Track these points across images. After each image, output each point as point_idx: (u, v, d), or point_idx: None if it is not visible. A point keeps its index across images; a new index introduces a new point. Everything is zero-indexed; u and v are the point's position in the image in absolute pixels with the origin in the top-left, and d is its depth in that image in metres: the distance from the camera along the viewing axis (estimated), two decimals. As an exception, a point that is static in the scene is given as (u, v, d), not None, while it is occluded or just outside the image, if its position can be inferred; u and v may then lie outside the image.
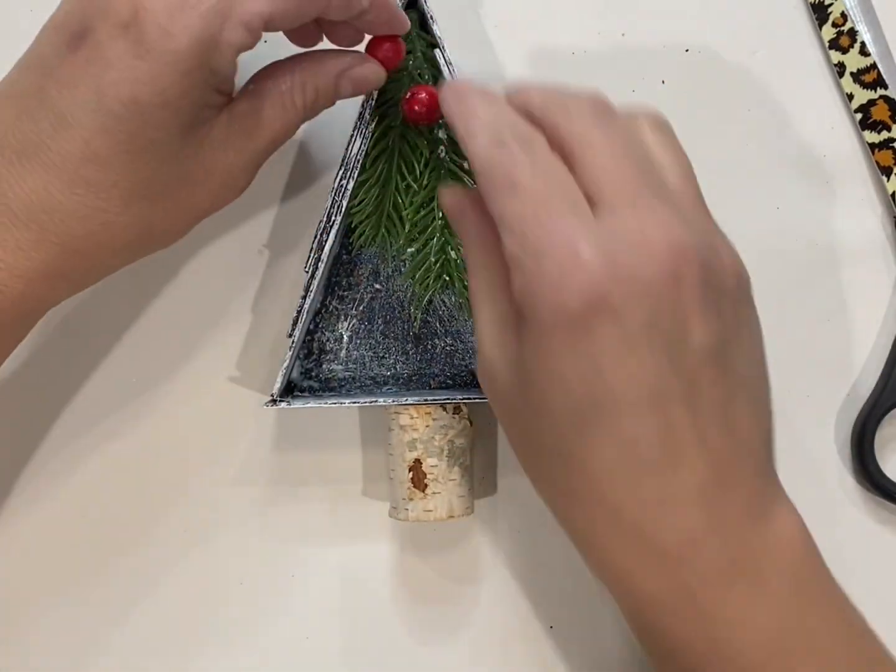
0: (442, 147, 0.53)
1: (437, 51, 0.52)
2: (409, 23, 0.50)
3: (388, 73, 0.51)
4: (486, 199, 0.40)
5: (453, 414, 0.53)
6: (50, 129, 0.41)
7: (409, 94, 0.52)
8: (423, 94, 0.51)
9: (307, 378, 0.56)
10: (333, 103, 0.49)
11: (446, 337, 0.56)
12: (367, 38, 0.50)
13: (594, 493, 0.40)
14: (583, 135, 0.40)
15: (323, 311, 0.55)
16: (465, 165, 0.53)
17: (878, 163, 0.57)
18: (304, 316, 0.52)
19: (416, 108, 0.51)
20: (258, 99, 0.46)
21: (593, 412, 0.38)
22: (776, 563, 0.40)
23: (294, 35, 0.50)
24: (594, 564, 0.43)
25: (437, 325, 0.56)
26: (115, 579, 0.57)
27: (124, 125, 0.40)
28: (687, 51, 0.58)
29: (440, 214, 0.54)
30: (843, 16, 0.57)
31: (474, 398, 0.53)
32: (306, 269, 0.52)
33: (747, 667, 0.40)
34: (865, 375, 0.58)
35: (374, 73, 0.49)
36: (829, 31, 0.57)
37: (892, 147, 0.57)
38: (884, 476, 0.56)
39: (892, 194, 0.57)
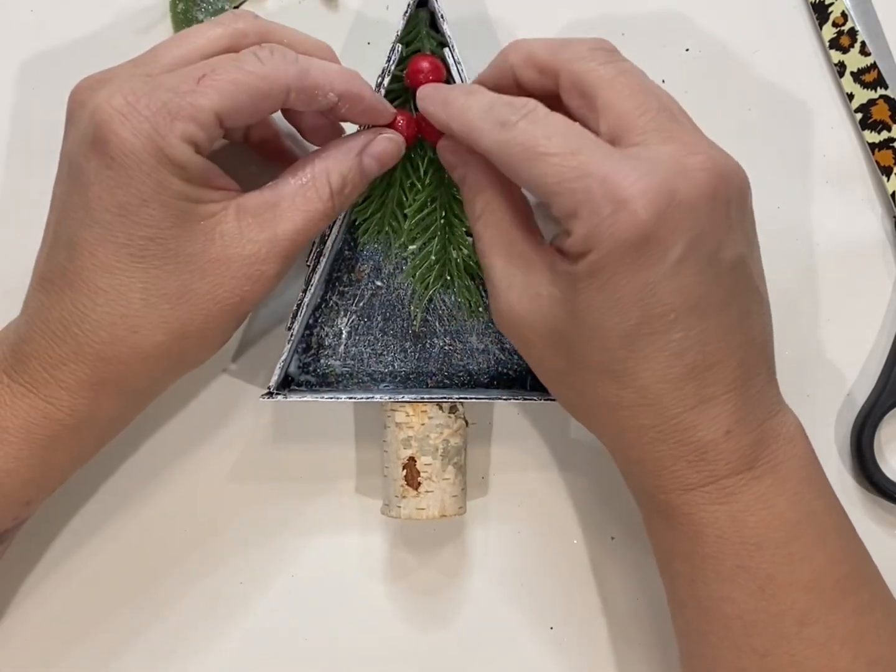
0: None
1: (446, 50, 0.52)
2: (392, 112, 0.50)
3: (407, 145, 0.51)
4: (515, 177, 0.44)
5: (449, 413, 0.53)
6: (66, 253, 0.45)
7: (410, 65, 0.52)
8: (425, 63, 0.51)
9: (304, 372, 0.55)
10: (364, 185, 0.50)
11: (445, 336, 0.56)
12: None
13: (642, 400, 0.44)
14: (598, 74, 0.44)
15: (323, 305, 0.55)
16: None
17: (878, 163, 0.57)
18: (304, 310, 0.52)
19: (421, 77, 0.51)
20: (275, 193, 0.47)
21: (646, 329, 0.42)
22: (787, 453, 0.46)
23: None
24: (634, 463, 0.47)
25: (437, 325, 0.56)
26: (110, 577, 0.57)
27: (118, 229, 0.43)
28: (687, 50, 0.58)
29: (443, 214, 0.54)
30: (844, 15, 0.57)
31: (471, 398, 0.53)
32: (307, 263, 0.52)
33: (764, 545, 0.45)
34: (865, 375, 0.58)
35: (393, 141, 0.50)
36: (829, 31, 0.57)
37: (892, 147, 0.57)
38: (884, 476, 0.56)
39: (892, 194, 0.57)
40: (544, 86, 0.46)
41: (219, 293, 0.45)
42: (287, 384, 0.55)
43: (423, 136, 0.52)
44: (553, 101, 0.45)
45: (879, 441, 0.57)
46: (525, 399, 0.53)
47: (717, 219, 0.42)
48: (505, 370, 0.56)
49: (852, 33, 0.57)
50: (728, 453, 0.44)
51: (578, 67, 0.44)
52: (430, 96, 0.48)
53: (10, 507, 0.48)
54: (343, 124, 0.53)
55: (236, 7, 0.56)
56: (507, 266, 0.46)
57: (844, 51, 0.57)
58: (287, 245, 0.46)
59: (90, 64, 0.55)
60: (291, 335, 0.52)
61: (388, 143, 0.50)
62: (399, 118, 0.51)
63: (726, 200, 0.42)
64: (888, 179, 0.57)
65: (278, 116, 0.54)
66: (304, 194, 0.47)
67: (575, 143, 0.42)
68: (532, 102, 0.44)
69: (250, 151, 0.55)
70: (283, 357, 0.52)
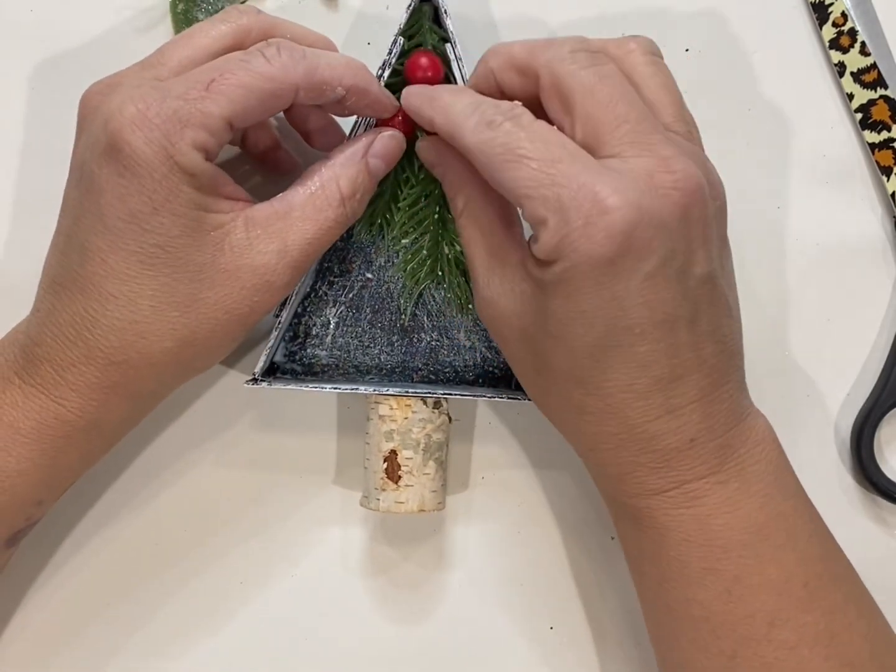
0: None
1: (448, 45, 0.52)
2: (395, 105, 0.50)
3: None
4: (490, 176, 0.43)
5: (433, 409, 0.53)
6: (77, 258, 0.45)
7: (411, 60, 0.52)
8: (424, 59, 0.51)
9: (290, 361, 0.55)
10: (374, 187, 0.50)
11: (433, 332, 0.55)
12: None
13: (607, 409, 0.44)
14: (579, 79, 0.42)
15: (312, 295, 0.55)
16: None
17: (878, 163, 0.57)
18: (293, 298, 0.52)
19: (419, 74, 0.51)
20: (284, 203, 0.47)
21: (613, 342, 0.42)
22: (756, 456, 0.45)
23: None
24: (598, 466, 0.47)
25: (425, 320, 0.55)
26: (107, 578, 0.57)
27: (129, 237, 0.44)
28: (687, 50, 0.58)
29: (436, 209, 0.54)
30: (844, 15, 0.57)
31: (455, 394, 0.52)
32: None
33: (730, 548, 0.44)
34: (865, 375, 0.57)
35: (394, 139, 0.50)
36: (829, 31, 0.57)
37: (892, 147, 0.56)
38: (884, 476, 0.55)
39: (892, 194, 0.56)
40: (525, 88, 0.46)
41: (228, 303, 0.46)
42: (272, 372, 0.55)
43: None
44: (536, 106, 0.44)
45: (879, 441, 0.57)
46: (510, 398, 0.52)
47: (688, 237, 0.41)
48: (491, 368, 0.55)
49: (852, 33, 0.57)
50: (691, 460, 0.44)
51: (559, 70, 0.43)
52: (416, 93, 0.48)
53: (22, 507, 0.48)
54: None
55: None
56: (487, 260, 0.46)
57: (844, 51, 0.57)
58: (297, 256, 0.46)
59: (90, 64, 0.57)
60: (279, 323, 0.52)
61: (390, 141, 0.50)
62: (398, 113, 0.51)
63: (698, 218, 0.42)
64: (888, 179, 0.57)
65: (276, 123, 0.55)
66: (314, 203, 0.47)
67: (556, 151, 0.41)
68: (519, 108, 0.43)
69: (252, 162, 0.55)
70: (270, 344, 0.52)
